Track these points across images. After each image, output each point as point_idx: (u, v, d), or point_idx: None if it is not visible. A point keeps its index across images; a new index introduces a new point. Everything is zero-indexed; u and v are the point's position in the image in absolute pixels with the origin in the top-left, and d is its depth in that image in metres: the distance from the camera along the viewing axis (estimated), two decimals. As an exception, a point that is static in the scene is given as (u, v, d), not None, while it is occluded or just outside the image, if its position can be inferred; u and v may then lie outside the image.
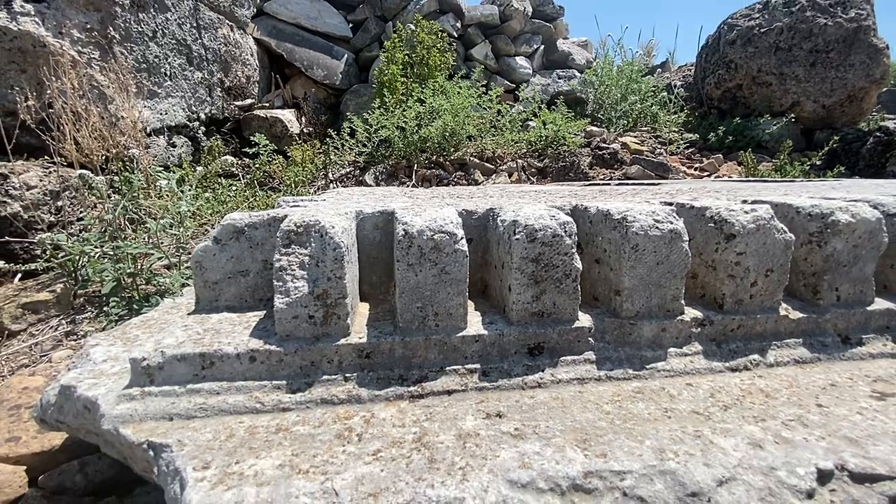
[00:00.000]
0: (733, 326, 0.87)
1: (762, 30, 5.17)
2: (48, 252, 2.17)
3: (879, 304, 0.93)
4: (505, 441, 0.64)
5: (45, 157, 2.77)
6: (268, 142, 4.01)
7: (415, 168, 4.34)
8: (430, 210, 0.84)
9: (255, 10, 5.09)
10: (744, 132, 5.18)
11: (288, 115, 4.92)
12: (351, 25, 5.57)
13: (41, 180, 2.64)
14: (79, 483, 1.00)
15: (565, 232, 0.81)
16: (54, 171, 2.63)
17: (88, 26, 3.11)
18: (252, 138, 4.06)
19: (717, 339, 0.87)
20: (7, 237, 2.37)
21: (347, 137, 4.37)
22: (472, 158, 4.63)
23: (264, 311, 0.92)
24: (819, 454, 0.60)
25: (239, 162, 4.34)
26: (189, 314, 0.93)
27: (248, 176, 4.00)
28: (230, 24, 4.59)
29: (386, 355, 0.79)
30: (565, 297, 0.83)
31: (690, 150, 5.24)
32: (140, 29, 3.49)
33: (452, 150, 4.62)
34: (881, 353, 0.89)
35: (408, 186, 4.08)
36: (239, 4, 4.84)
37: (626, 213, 0.84)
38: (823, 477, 0.57)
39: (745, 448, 0.61)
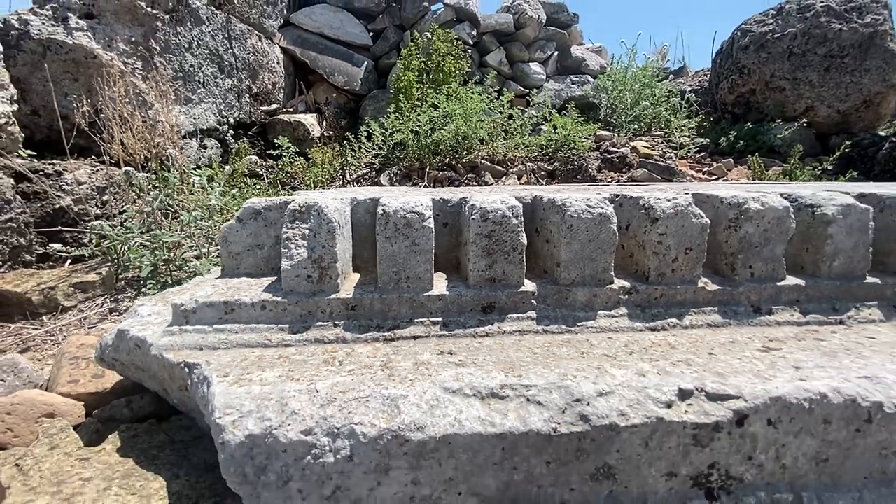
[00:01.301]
0: (657, 295, 1.05)
1: (776, 35, 5.21)
2: (95, 240, 2.47)
3: (790, 280, 1.09)
4: (449, 367, 0.83)
5: (93, 157, 3.10)
6: (290, 144, 4.30)
7: (427, 170, 4.55)
8: (406, 196, 1.05)
9: (282, 20, 5.42)
10: (756, 137, 5.22)
11: (310, 120, 5.21)
12: (371, 34, 5.85)
13: (90, 177, 2.96)
14: (125, 415, 1.24)
15: (512, 213, 1.00)
16: (101, 168, 2.95)
17: (133, 39, 3.45)
18: (276, 141, 4.36)
19: (642, 305, 1.05)
20: (60, 226, 2.69)
21: (364, 140, 4.62)
22: (483, 161, 4.81)
23: (275, 277, 1.14)
24: (686, 381, 0.77)
25: (264, 163, 4.65)
26: (216, 279, 1.16)
27: (271, 176, 4.29)
28: (258, 34, 4.92)
29: (367, 308, 0.99)
30: (513, 266, 1.02)
31: (701, 154, 5.30)
32: (178, 41, 3.82)
33: (465, 153, 4.81)
34: (787, 321, 1.05)
35: (420, 187, 4.30)
36: (267, 16, 5.17)
37: (566, 200, 1.03)
38: (684, 395, 0.75)
39: (631, 376, 0.79)
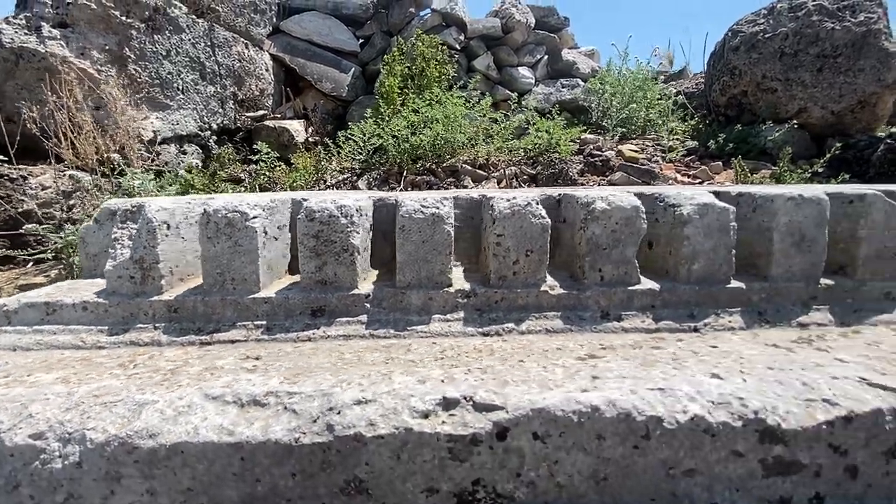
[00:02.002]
0: (497, 299, 1.00)
1: (767, 35, 5.06)
2: (54, 243, 2.51)
3: (645, 284, 1.03)
4: (236, 373, 0.81)
5: (67, 161, 3.19)
6: (269, 150, 4.34)
7: (404, 174, 4.54)
8: (236, 197, 1.03)
9: (271, 28, 5.51)
10: (746, 139, 5.06)
11: (295, 125, 5.26)
12: (360, 41, 5.90)
13: (55, 182, 3.03)
14: None
15: (342, 213, 0.97)
16: (68, 173, 3.03)
17: (107, 47, 3.53)
18: (255, 146, 4.41)
19: (481, 308, 1.00)
20: (22, 230, 2.76)
21: (342, 145, 4.64)
22: (464, 166, 4.78)
23: (128, 279, 1.13)
24: (461, 389, 0.72)
25: (247, 168, 4.72)
26: (70, 281, 1.16)
27: (253, 181, 4.34)
28: (245, 41, 4.99)
29: (190, 311, 0.97)
30: (344, 268, 0.99)
31: (690, 157, 5.16)
32: (154, 49, 3.90)
33: (448, 157, 4.78)
34: (636, 327, 0.99)
35: (397, 191, 4.28)
36: (255, 24, 5.25)
37: (402, 200, 0.99)
38: (449, 404, 0.70)
39: (410, 382, 0.75)
